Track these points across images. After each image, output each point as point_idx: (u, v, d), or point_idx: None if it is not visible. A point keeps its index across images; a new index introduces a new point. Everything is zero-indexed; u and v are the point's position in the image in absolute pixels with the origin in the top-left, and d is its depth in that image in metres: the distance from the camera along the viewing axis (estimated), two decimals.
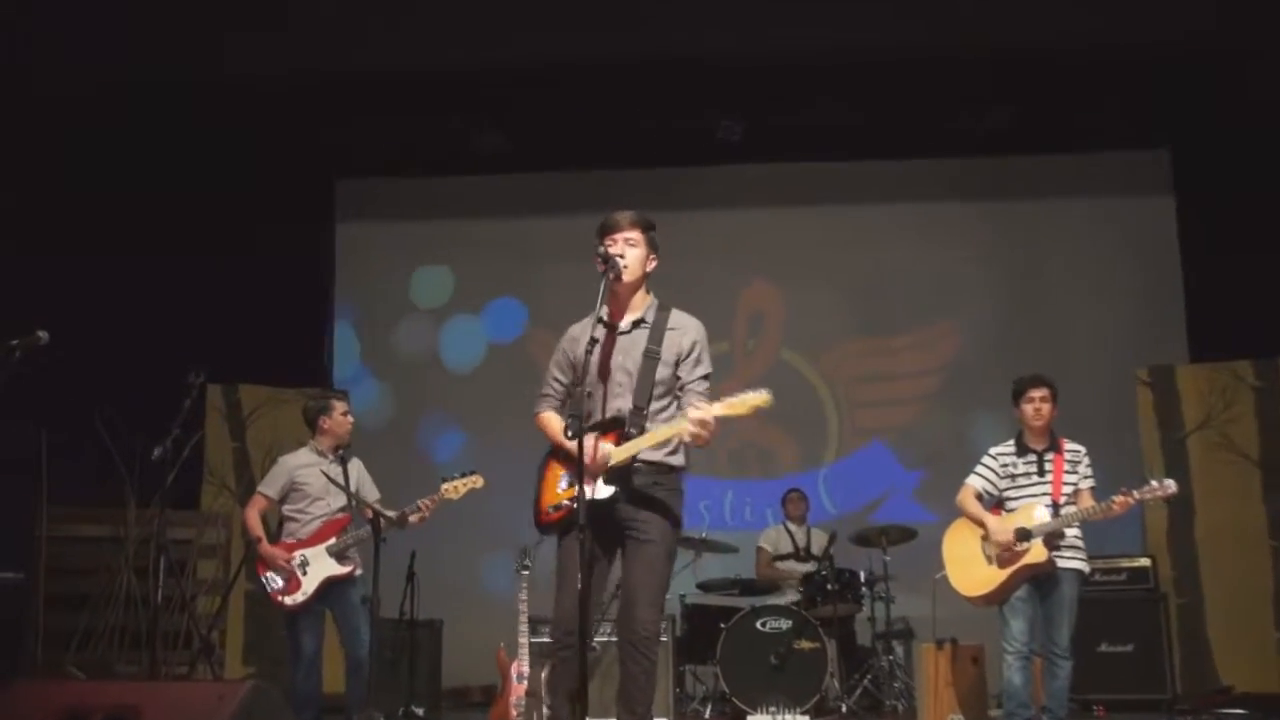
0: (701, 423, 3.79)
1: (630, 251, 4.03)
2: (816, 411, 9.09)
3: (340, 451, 5.93)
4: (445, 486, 5.69)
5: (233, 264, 8.31)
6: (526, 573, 6.22)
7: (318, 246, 9.29)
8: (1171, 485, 5.24)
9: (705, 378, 4.06)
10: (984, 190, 9.09)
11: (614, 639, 6.78)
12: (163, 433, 5.46)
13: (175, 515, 6.85)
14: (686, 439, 3.88)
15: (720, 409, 3.82)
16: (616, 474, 3.94)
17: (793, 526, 7.93)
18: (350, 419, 6.02)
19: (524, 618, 6.19)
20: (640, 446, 3.93)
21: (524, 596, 6.18)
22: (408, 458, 8.65)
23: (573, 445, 3.83)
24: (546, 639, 6.91)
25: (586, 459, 3.82)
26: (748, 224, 9.18)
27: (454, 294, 9.41)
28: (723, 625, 6.83)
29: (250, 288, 8.30)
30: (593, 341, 3.93)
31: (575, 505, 3.86)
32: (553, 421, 4.13)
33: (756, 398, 3.80)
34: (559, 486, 4.07)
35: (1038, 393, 5.53)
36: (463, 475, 5.70)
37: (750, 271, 9.31)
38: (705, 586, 7.34)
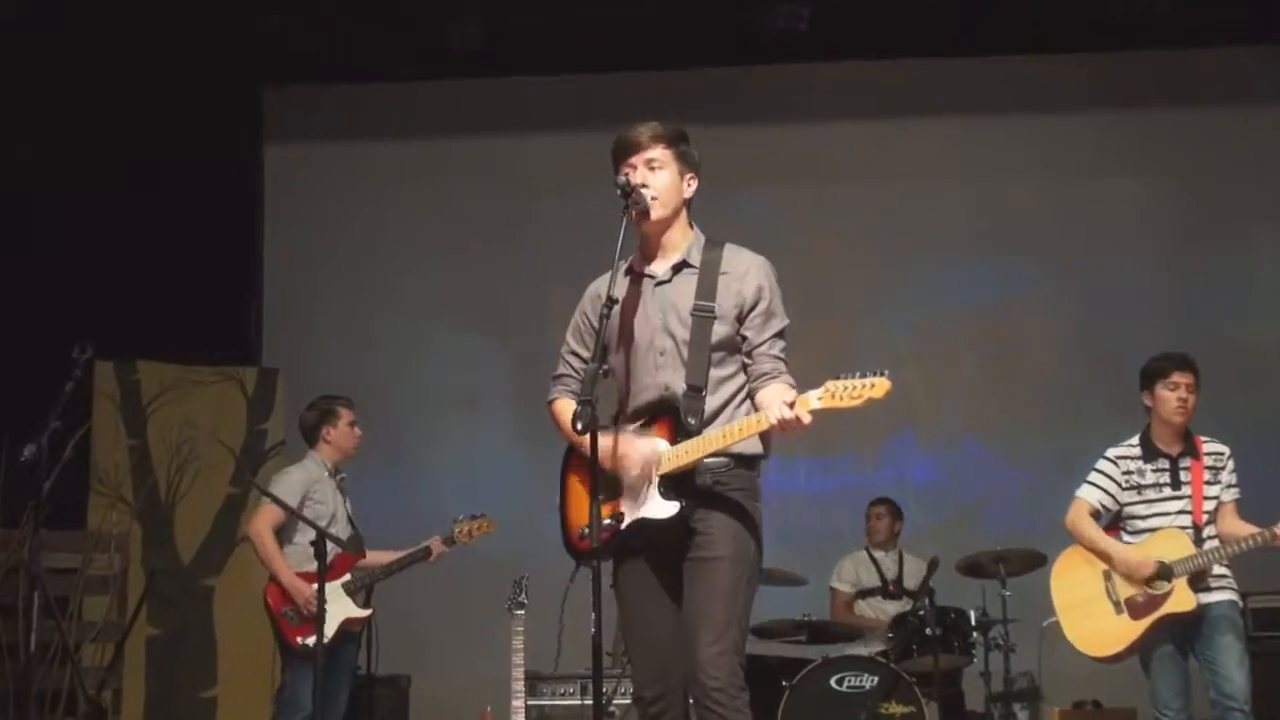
0: (787, 424, 3.70)
1: (657, 177, 4.01)
2: (900, 396, 8.99)
3: (341, 476, 6.49)
4: (457, 529, 6.38)
5: (126, 201, 8.29)
6: (521, 612, 6.17)
7: (239, 174, 9.27)
8: None
9: (780, 335, 4.03)
10: (1130, 94, 9.03)
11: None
12: (36, 427, 5.44)
13: (53, 537, 6.83)
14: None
15: (819, 400, 3.72)
16: (675, 483, 3.84)
17: (878, 553, 7.91)
18: (358, 431, 6.56)
19: (519, 672, 6.14)
20: (704, 451, 3.83)
21: (518, 644, 6.13)
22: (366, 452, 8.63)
23: (585, 441, 3.77)
24: (546, 700, 6.95)
25: (617, 459, 3.84)
26: (813, 143, 9.15)
27: (420, 234, 9.38)
28: (785, 683, 6.80)
29: (151, 232, 8.29)
30: (610, 302, 3.87)
31: (623, 525, 3.84)
32: (566, 412, 4.03)
33: (870, 387, 3.71)
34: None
35: (1185, 378, 5.46)
36: (472, 517, 6.39)
37: (814, 208, 9.26)
38: (762, 631, 7.30)
